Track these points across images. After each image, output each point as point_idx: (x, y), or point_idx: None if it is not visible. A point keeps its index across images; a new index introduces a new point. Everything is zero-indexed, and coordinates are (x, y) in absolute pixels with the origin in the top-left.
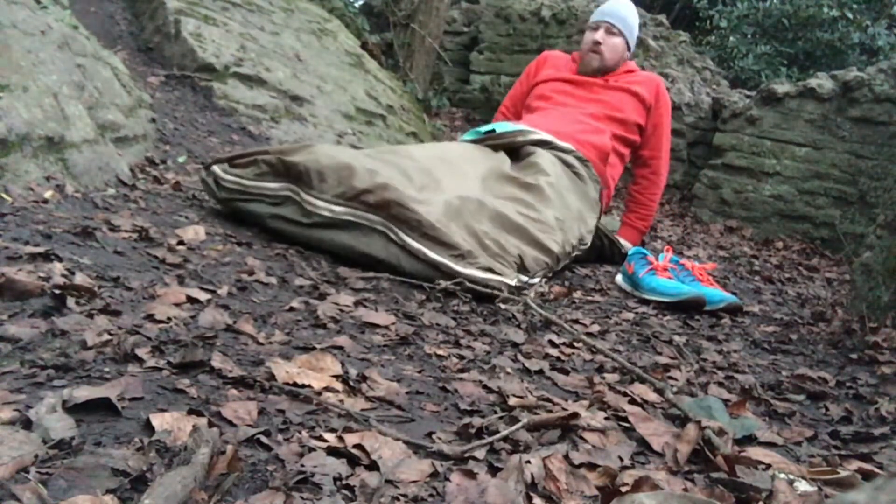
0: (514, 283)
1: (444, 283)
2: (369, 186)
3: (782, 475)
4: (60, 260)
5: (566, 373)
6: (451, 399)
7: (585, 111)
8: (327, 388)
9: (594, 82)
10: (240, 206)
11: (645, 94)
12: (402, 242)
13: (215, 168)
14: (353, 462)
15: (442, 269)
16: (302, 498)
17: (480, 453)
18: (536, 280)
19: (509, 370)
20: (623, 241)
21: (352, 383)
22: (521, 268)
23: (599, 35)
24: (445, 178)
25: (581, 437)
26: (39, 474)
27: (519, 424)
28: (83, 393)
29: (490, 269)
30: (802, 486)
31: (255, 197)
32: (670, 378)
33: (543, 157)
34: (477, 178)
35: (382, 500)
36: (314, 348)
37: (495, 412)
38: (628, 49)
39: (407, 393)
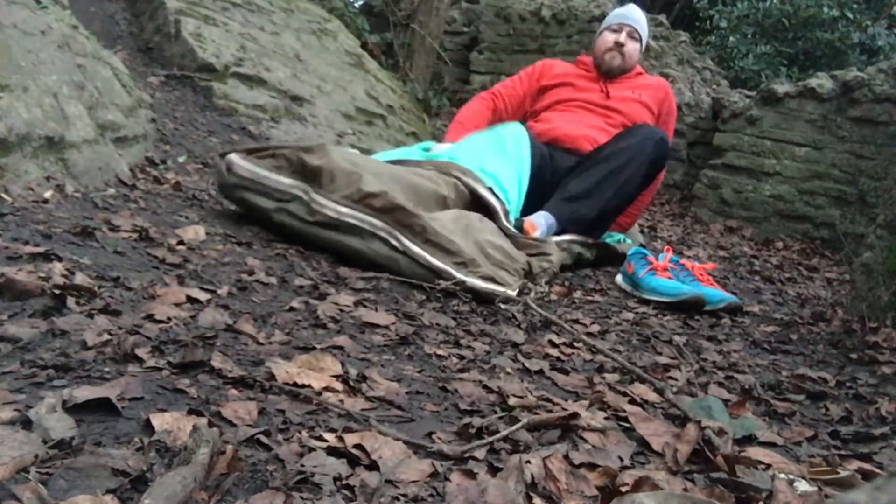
0: (514, 293)
1: (444, 284)
2: (376, 191)
3: (782, 475)
4: (60, 260)
5: (566, 373)
6: (451, 399)
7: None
8: (327, 388)
9: (603, 103)
10: (244, 197)
11: (653, 104)
12: (403, 248)
13: (232, 155)
14: (353, 462)
15: (443, 275)
16: (302, 498)
17: (480, 453)
18: (540, 286)
19: (509, 370)
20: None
21: (352, 383)
22: (528, 273)
23: (623, 37)
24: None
25: (581, 437)
26: (39, 474)
27: (519, 424)
28: (83, 393)
29: (492, 279)
30: (802, 486)
31: (264, 191)
32: (670, 378)
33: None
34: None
35: (382, 500)
36: (314, 348)
37: (495, 412)
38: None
39: (407, 393)
